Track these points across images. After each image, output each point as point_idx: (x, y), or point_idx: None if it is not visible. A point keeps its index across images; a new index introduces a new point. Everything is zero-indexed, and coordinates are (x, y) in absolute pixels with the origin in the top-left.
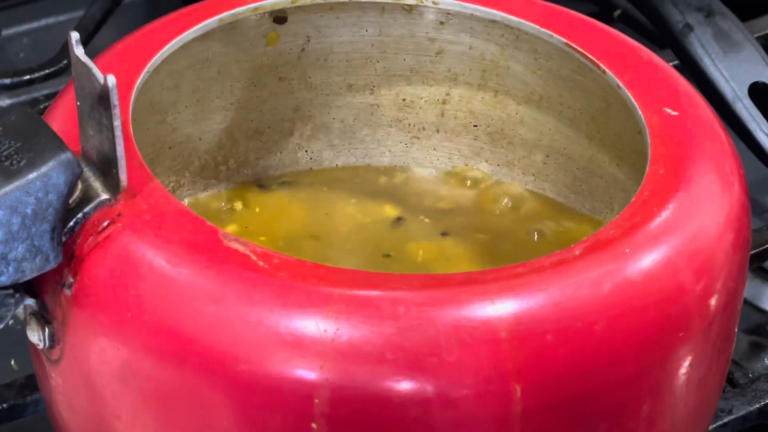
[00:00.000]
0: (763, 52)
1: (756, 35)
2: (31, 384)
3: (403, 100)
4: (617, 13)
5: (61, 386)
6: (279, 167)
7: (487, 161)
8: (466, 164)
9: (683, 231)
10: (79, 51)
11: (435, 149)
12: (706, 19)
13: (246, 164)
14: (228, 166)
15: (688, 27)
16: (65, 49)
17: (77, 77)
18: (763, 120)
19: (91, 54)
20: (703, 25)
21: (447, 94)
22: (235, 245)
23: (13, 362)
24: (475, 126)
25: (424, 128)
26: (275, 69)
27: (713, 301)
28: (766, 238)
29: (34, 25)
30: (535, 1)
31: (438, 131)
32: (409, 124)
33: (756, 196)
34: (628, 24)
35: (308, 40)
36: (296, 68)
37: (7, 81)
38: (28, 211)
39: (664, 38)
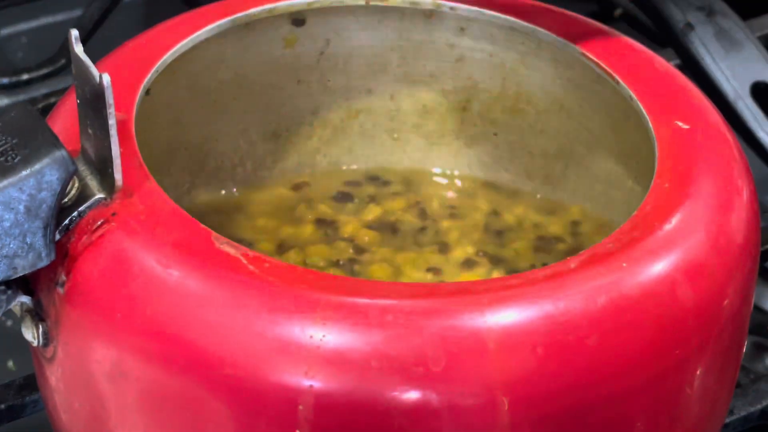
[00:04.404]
0: (765, 51)
1: (757, 34)
2: (29, 384)
3: (423, 106)
4: (618, 12)
5: (55, 384)
6: (297, 170)
7: (506, 170)
8: (486, 173)
9: (684, 246)
10: (78, 49)
11: (455, 157)
12: (707, 18)
13: (263, 167)
14: (245, 168)
15: (690, 26)
16: (64, 48)
17: (77, 75)
18: (765, 119)
19: (90, 53)
20: (704, 25)
21: (467, 101)
22: (227, 248)
23: (11, 363)
24: (495, 134)
25: (443, 135)
26: (294, 71)
27: (714, 318)
28: (766, 237)
29: (33, 24)
30: (554, 9)
31: (458, 138)
32: (429, 131)
33: (758, 196)
34: (628, 23)
35: (328, 44)
36: (315, 71)
37: (6, 80)
38: (21, 207)
39: (665, 37)
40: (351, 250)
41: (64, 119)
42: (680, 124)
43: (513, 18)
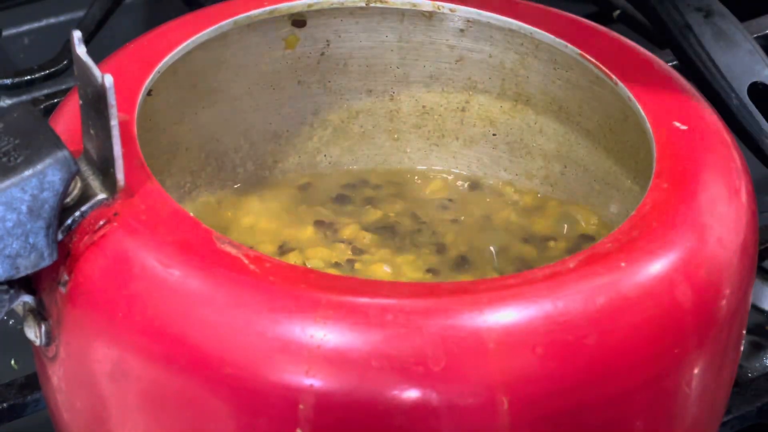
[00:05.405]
0: (763, 52)
1: (755, 35)
2: (31, 384)
3: (423, 106)
4: (616, 13)
5: (57, 383)
6: (297, 171)
7: (505, 170)
8: (485, 173)
9: (682, 246)
10: (80, 50)
11: (454, 157)
12: (706, 19)
13: (264, 167)
14: (246, 169)
15: (688, 27)
16: (65, 49)
17: (79, 76)
18: (763, 120)
19: (92, 54)
20: (702, 25)
21: (467, 102)
22: (228, 248)
23: (13, 362)
24: (494, 135)
25: (443, 135)
26: (294, 72)
27: (712, 317)
28: (766, 237)
29: (35, 25)
30: (553, 10)
31: (457, 139)
32: (429, 131)
33: (756, 196)
34: (627, 24)
35: (328, 45)
36: (315, 72)
37: (8, 81)
38: (24, 207)
39: (664, 38)
40: (350, 252)
41: (66, 120)
42: (678, 124)
43: (512, 19)
